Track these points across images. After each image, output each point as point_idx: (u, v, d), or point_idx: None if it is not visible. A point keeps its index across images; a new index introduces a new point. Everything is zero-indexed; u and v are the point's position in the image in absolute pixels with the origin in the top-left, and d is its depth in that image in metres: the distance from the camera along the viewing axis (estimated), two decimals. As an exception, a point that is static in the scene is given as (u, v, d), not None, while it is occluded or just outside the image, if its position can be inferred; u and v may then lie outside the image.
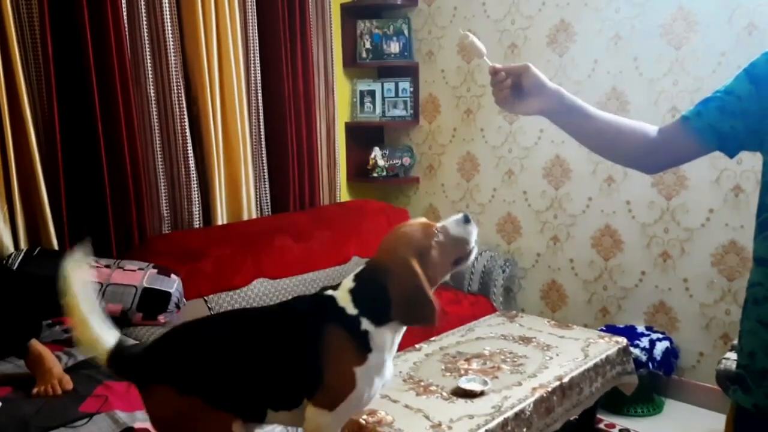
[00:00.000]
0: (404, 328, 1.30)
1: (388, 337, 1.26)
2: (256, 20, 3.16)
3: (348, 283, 1.30)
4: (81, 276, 1.29)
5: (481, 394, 2.05)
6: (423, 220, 1.33)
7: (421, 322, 1.26)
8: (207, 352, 1.26)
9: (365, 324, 1.23)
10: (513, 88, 1.20)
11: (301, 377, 1.24)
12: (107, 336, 1.30)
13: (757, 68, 1.07)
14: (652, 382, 2.83)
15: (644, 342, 2.79)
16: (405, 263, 1.23)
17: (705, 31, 2.75)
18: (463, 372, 2.23)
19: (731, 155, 1.13)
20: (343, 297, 1.27)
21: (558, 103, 1.20)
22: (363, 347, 1.23)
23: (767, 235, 1.06)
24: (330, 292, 1.31)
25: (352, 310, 1.25)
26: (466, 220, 1.31)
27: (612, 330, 2.87)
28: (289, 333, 1.27)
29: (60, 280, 1.27)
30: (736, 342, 2.21)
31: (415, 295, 1.23)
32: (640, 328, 2.95)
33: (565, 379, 2.19)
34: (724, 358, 2.14)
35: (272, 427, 1.54)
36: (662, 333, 2.92)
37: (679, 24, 2.81)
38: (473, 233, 1.32)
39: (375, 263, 1.29)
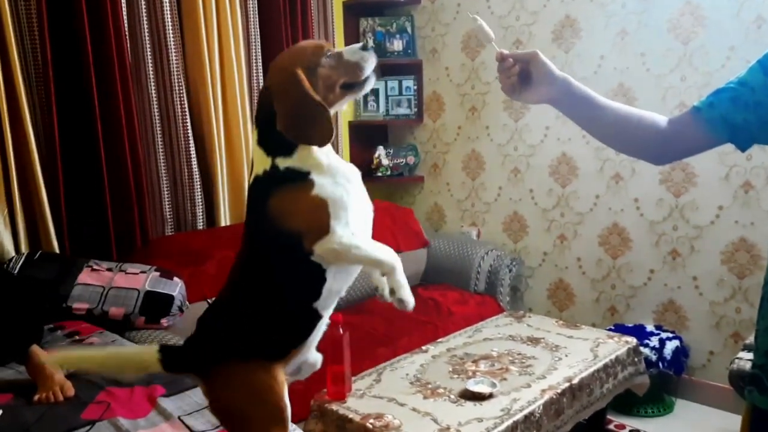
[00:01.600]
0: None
1: (311, 152, 1.19)
2: (257, 19, 3.13)
3: (253, 136, 1.25)
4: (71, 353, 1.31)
5: (490, 396, 2.02)
6: (320, 41, 1.29)
7: (314, 137, 1.18)
8: (241, 311, 1.26)
9: (281, 163, 1.18)
10: (520, 76, 1.17)
11: (293, 251, 1.19)
12: (146, 348, 1.30)
13: None
14: (662, 382, 2.79)
15: (654, 341, 2.76)
16: (290, 74, 1.17)
17: (713, 25, 2.70)
18: (471, 374, 2.20)
19: (743, 148, 1.10)
20: (256, 160, 1.22)
21: (566, 92, 1.17)
22: (298, 179, 1.17)
23: None
24: (252, 173, 1.26)
25: (265, 162, 1.19)
26: (364, 48, 1.24)
27: (621, 329, 2.83)
28: (261, 238, 1.24)
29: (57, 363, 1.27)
30: (749, 341, 2.18)
31: (302, 104, 1.16)
32: (650, 327, 2.91)
33: (575, 381, 2.16)
34: (737, 358, 2.10)
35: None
36: (672, 332, 2.88)
37: (687, 19, 2.77)
38: (369, 60, 1.23)
39: (262, 90, 1.25)
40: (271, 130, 1.19)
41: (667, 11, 2.81)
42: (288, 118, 1.17)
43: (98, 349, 1.27)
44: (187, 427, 1.52)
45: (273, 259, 1.23)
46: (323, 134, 1.18)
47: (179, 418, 1.55)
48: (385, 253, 1.21)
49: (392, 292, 1.22)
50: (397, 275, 1.21)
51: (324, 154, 1.21)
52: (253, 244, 1.26)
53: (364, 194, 1.27)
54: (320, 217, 1.16)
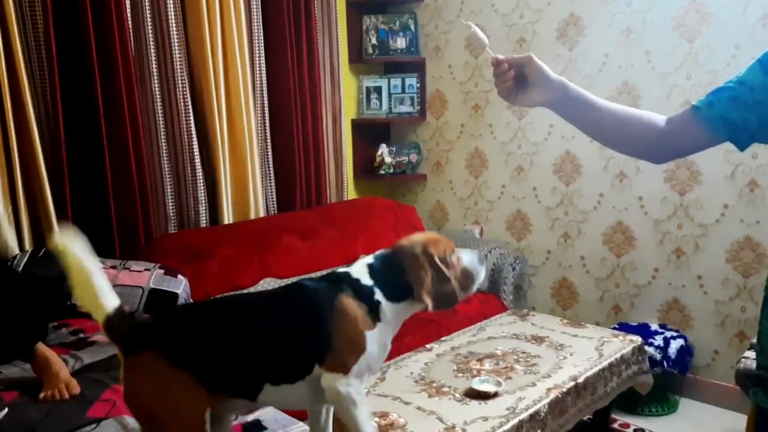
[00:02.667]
0: (411, 313, 1.32)
1: (396, 315, 1.29)
2: (261, 17, 3.12)
3: (367, 258, 1.33)
4: (77, 241, 1.25)
5: (495, 395, 2.02)
6: (447, 239, 1.37)
7: (446, 306, 1.30)
8: (203, 324, 1.26)
9: (378, 295, 1.26)
10: (516, 80, 1.18)
11: (309, 343, 1.24)
12: (110, 299, 1.26)
13: None
14: (666, 381, 2.78)
15: (658, 340, 2.75)
16: (428, 252, 1.28)
17: (718, 23, 2.69)
18: (475, 372, 2.19)
19: (742, 147, 1.10)
20: (358, 270, 1.30)
21: (562, 95, 1.18)
22: (374, 315, 1.26)
23: None
24: (343, 268, 1.32)
25: (367, 281, 1.27)
26: (481, 262, 1.37)
27: (625, 328, 2.83)
28: (299, 303, 1.27)
29: (59, 248, 1.24)
30: (755, 340, 2.17)
31: (441, 278, 1.27)
32: (654, 326, 2.91)
33: (580, 380, 2.15)
34: (743, 357, 2.09)
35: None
36: (676, 331, 2.88)
37: (692, 16, 2.76)
38: (481, 275, 1.37)
39: (397, 247, 1.33)
40: (388, 273, 1.28)
41: (672, 9, 2.80)
42: (431, 288, 1.27)
43: (89, 262, 1.23)
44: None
45: (290, 321, 1.25)
46: (449, 306, 1.31)
47: (185, 416, 1.54)
48: (370, 428, 1.26)
49: None
50: None
51: (395, 326, 1.31)
52: (292, 307, 1.28)
53: (382, 360, 1.34)
54: (353, 353, 1.24)
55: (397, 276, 1.27)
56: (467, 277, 1.33)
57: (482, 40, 1.24)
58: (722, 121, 1.07)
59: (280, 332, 1.24)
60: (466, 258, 1.35)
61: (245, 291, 2.73)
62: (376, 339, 1.25)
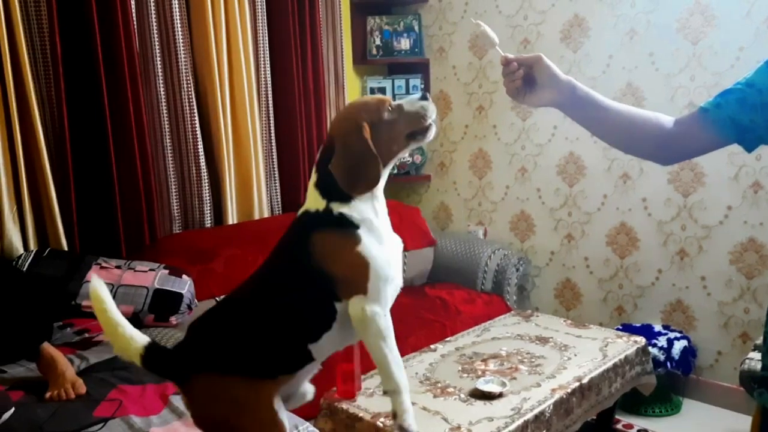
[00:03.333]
0: (380, 191, 1.27)
1: (366, 207, 1.22)
2: (265, 17, 3.13)
3: (312, 178, 1.28)
4: (106, 292, 1.28)
5: (500, 395, 2.02)
6: (381, 96, 1.33)
7: (359, 187, 1.22)
8: (232, 324, 1.26)
9: (336, 208, 1.21)
10: (524, 80, 1.17)
11: (319, 292, 1.21)
12: (139, 337, 1.27)
13: None
14: (669, 382, 2.78)
15: (662, 341, 2.75)
16: (357, 126, 1.22)
17: (723, 25, 2.70)
18: (480, 373, 2.20)
19: (749, 149, 1.10)
20: (310, 199, 1.25)
21: (570, 95, 1.18)
22: (348, 227, 1.20)
23: None
24: (301, 210, 1.29)
25: (320, 203, 1.22)
26: (423, 97, 1.29)
27: (628, 329, 2.83)
28: (287, 266, 1.25)
29: (90, 290, 1.26)
30: (759, 342, 2.17)
31: (358, 151, 1.21)
32: (657, 327, 2.91)
33: (585, 380, 2.15)
34: (748, 358, 2.09)
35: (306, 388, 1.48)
36: (679, 332, 2.88)
37: (696, 18, 2.76)
38: (430, 109, 1.28)
39: (327, 138, 1.28)
40: (329, 174, 1.22)
41: (677, 11, 2.81)
42: (344, 165, 1.21)
43: (113, 312, 1.26)
44: (201, 424, 1.51)
45: (294, 289, 1.23)
46: (368, 184, 1.22)
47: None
48: (398, 368, 1.21)
49: (394, 415, 1.21)
50: (402, 398, 1.21)
51: (377, 210, 1.25)
52: (278, 268, 1.27)
53: (399, 268, 1.27)
54: (360, 274, 1.18)
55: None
56: (413, 118, 1.26)
57: (492, 39, 1.24)
58: (730, 123, 1.07)
59: (293, 298, 1.22)
60: (405, 103, 1.28)
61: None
62: (369, 244, 1.20)
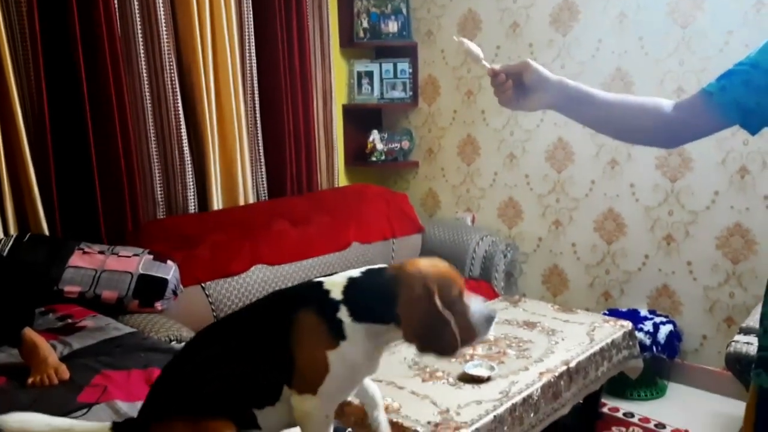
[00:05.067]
0: (390, 339, 1.19)
1: (368, 337, 1.15)
2: (250, 0, 3.07)
3: (353, 272, 1.21)
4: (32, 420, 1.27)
5: (488, 379, 2.02)
6: (458, 274, 1.21)
7: (441, 349, 1.15)
8: (185, 370, 1.25)
9: (342, 313, 1.14)
10: (516, 87, 1.17)
11: (273, 364, 1.18)
12: (97, 426, 1.29)
13: None
14: (655, 366, 2.80)
15: (648, 326, 2.77)
16: (427, 287, 1.13)
17: (712, 9, 2.69)
18: (468, 357, 2.19)
19: (753, 132, 1.09)
20: (333, 283, 1.19)
21: (563, 95, 1.17)
22: (335, 333, 1.14)
23: None
24: (322, 278, 1.23)
25: (337, 295, 1.16)
26: (490, 320, 1.18)
27: (615, 314, 2.84)
28: (262, 322, 1.22)
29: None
30: (745, 324, 2.19)
31: (434, 321, 1.12)
32: (643, 312, 2.92)
33: (572, 364, 2.16)
34: (734, 341, 2.11)
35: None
36: (665, 316, 2.90)
37: (686, 2, 2.75)
38: (486, 334, 1.19)
39: (394, 268, 1.19)
40: (366, 295, 1.16)
41: (666, -5, 2.80)
42: (419, 329, 1.13)
43: (47, 422, 1.27)
44: (186, 409, 1.49)
45: (253, 346, 1.20)
46: (451, 348, 1.14)
47: (178, 400, 1.52)
48: None
49: None
50: None
51: (364, 353, 1.16)
52: (253, 320, 1.24)
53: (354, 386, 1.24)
54: (316, 377, 1.14)
55: (381, 300, 1.14)
56: (469, 331, 1.15)
57: (476, 55, 1.22)
58: (735, 106, 1.05)
59: (248, 355, 1.19)
60: (476, 309, 1.17)
61: (237, 277, 2.71)
62: (341, 359, 1.13)
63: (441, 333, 1.13)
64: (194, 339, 1.33)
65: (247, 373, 1.19)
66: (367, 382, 1.32)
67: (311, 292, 1.21)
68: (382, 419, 1.33)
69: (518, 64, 1.16)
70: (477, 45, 1.25)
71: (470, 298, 1.18)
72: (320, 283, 1.20)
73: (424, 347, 1.15)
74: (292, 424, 1.25)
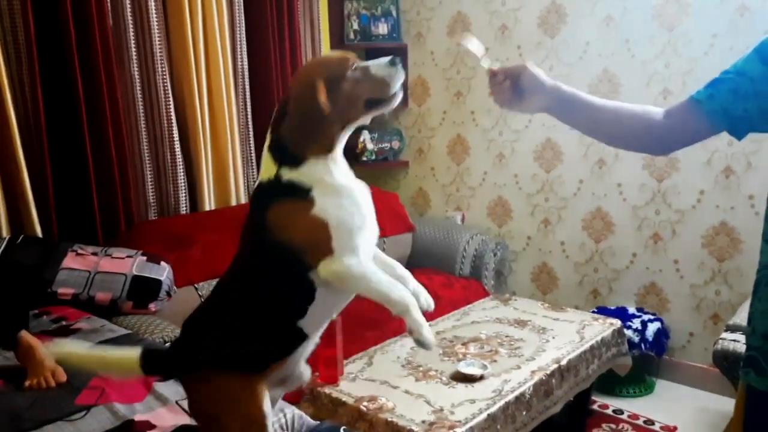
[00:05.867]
0: (339, 156, 1.20)
1: (317, 168, 1.15)
2: (242, 1, 3.08)
3: (266, 140, 1.21)
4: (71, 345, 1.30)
5: (481, 378, 2.05)
6: (346, 52, 1.24)
7: (312, 143, 1.15)
8: (222, 318, 1.24)
9: (285, 174, 1.14)
10: (512, 88, 1.20)
11: (287, 264, 1.16)
12: (129, 351, 1.29)
13: None
14: (643, 363, 2.85)
15: (636, 323, 2.81)
16: (309, 84, 1.14)
17: (697, 13, 2.74)
18: (461, 356, 2.22)
19: (740, 137, 1.12)
20: (263, 166, 1.19)
21: (558, 99, 1.21)
22: (299, 195, 1.13)
23: None
24: (258, 178, 1.24)
25: (271, 170, 1.16)
26: (393, 63, 1.18)
27: (603, 312, 2.88)
28: (254, 245, 1.21)
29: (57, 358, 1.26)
30: (731, 322, 2.24)
31: (309, 115, 1.13)
32: (631, 310, 2.97)
33: (563, 362, 2.19)
34: (721, 339, 2.15)
35: (274, 414, 1.49)
36: (653, 314, 2.95)
37: (672, 6, 2.80)
38: (397, 76, 1.18)
39: (282, 97, 1.23)
40: (285, 143, 1.17)
41: (652, -2, 2.85)
42: (295, 125, 1.15)
43: (86, 347, 1.28)
44: (185, 411, 1.50)
45: (264, 270, 1.19)
46: (318, 147, 1.15)
47: (176, 402, 1.53)
48: (396, 291, 1.14)
49: (410, 331, 1.14)
50: (412, 314, 1.13)
51: (331, 170, 1.17)
52: (248, 252, 1.23)
53: (371, 214, 1.22)
54: (320, 237, 1.12)
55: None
56: (378, 84, 1.17)
57: (476, 56, 1.25)
58: (723, 114, 1.09)
59: (265, 280, 1.19)
60: (373, 63, 1.18)
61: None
62: (325, 204, 1.12)
63: (314, 125, 1.14)
64: (214, 294, 1.30)
65: (276, 295, 1.18)
66: (390, 262, 1.30)
67: (257, 194, 1.21)
68: (419, 289, 1.28)
69: (516, 66, 1.19)
70: (479, 67, 1.27)
71: (366, 63, 1.19)
72: (258, 181, 1.21)
73: (293, 143, 1.15)
74: (338, 305, 1.25)
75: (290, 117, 1.15)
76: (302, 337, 1.23)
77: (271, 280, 1.18)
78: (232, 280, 1.26)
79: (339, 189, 1.16)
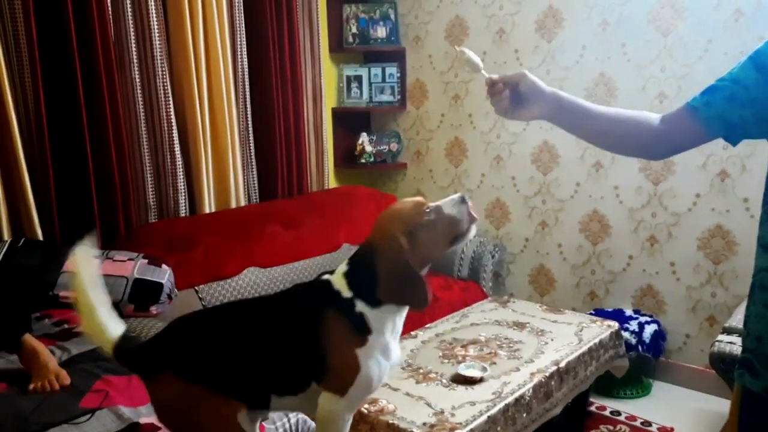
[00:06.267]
0: (405, 309, 1.28)
1: (387, 319, 1.24)
2: (242, 6, 3.09)
3: (342, 267, 1.29)
4: (89, 265, 1.25)
5: (481, 380, 2.07)
6: (417, 198, 1.32)
7: (411, 303, 1.25)
8: (209, 339, 1.26)
9: (360, 306, 1.22)
10: (511, 96, 1.22)
11: (304, 362, 1.23)
12: (114, 327, 1.27)
13: (763, 56, 1.07)
14: (640, 365, 2.88)
15: (633, 325, 2.84)
16: (392, 239, 1.23)
17: (692, 17, 2.77)
18: (461, 359, 2.24)
19: (735, 143, 1.15)
20: (338, 281, 1.27)
21: (557, 106, 1.22)
22: (361, 329, 1.21)
23: None
24: (326, 276, 1.30)
25: (346, 293, 1.24)
26: (462, 200, 1.28)
27: (600, 314, 2.91)
28: (288, 318, 1.26)
29: (67, 268, 1.24)
30: (727, 324, 2.26)
31: (401, 273, 1.22)
32: (628, 312, 3.00)
33: (562, 364, 2.22)
34: (717, 341, 2.18)
35: (279, 417, 1.52)
36: (650, 316, 2.98)
37: (667, 11, 2.83)
38: (465, 212, 1.28)
39: (367, 243, 1.29)
40: (363, 277, 1.24)
41: (648, 3, 2.87)
42: (392, 287, 1.22)
43: (92, 292, 1.25)
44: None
45: (281, 337, 1.24)
46: (421, 302, 1.24)
47: (181, 405, 1.55)
48: None
49: None
50: None
51: (393, 328, 1.26)
52: (281, 308, 1.29)
53: (387, 368, 1.29)
54: (347, 375, 1.21)
55: (372, 277, 1.23)
56: (452, 222, 1.27)
57: (477, 64, 1.29)
58: (719, 120, 1.11)
59: (280, 346, 1.24)
60: (443, 203, 1.28)
61: (230, 280, 2.74)
62: (371, 354, 1.21)
63: (412, 286, 1.23)
64: (221, 310, 1.34)
65: (280, 364, 1.23)
66: None
67: (325, 292, 1.27)
68: None
69: (515, 75, 1.21)
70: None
71: (435, 204, 1.28)
72: (328, 282, 1.27)
73: (400, 301, 1.24)
74: (302, 411, 1.32)
75: (382, 273, 1.22)
76: (266, 405, 1.28)
77: (279, 349, 1.24)
78: (245, 313, 1.30)
79: (386, 350, 1.25)
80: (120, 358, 1.28)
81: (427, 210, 1.26)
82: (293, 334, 1.24)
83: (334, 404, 1.21)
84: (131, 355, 1.28)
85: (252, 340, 1.25)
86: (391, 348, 1.27)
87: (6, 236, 2.41)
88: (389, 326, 1.25)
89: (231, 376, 1.24)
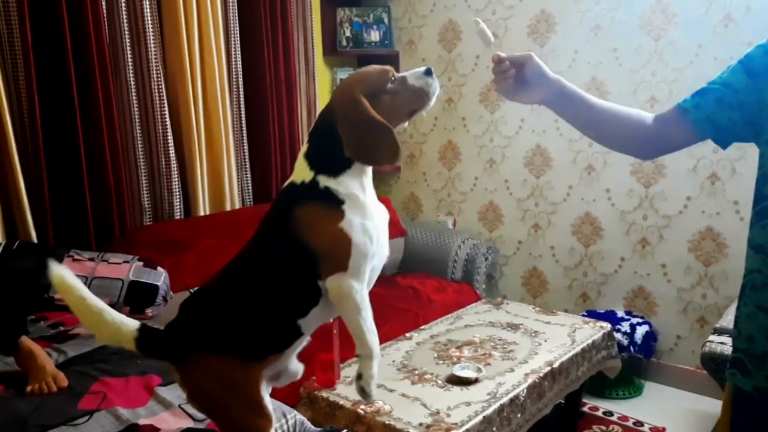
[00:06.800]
0: (369, 168, 1.24)
1: (353, 182, 1.20)
2: (236, 8, 3.11)
3: (303, 148, 1.26)
4: (72, 280, 1.22)
5: (476, 381, 2.08)
6: (385, 66, 1.29)
7: (381, 156, 1.21)
8: (229, 307, 1.25)
9: (323, 181, 1.19)
10: (515, 78, 1.21)
11: (306, 269, 1.21)
12: (128, 322, 1.26)
13: (753, 61, 1.09)
14: (632, 365, 2.91)
15: (625, 326, 2.87)
16: (353, 99, 1.20)
17: (683, 23, 2.81)
18: (455, 360, 2.26)
19: (724, 146, 1.17)
20: (298, 170, 1.24)
21: (559, 93, 1.23)
22: (332, 202, 1.18)
23: (765, 223, 1.09)
24: (288, 181, 1.27)
25: (307, 175, 1.21)
26: (428, 73, 1.26)
27: (593, 315, 2.94)
28: (276, 247, 1.24)
29: (52, 279, 1.21)
30: (718, 325, 2.29)
31: (367, 127, 1.19)
32: (620, 313, 3.03)
33: (555, 365, 2.24)
34: (708, 341, 2.21)
35: (277, 419, 1.52)
36: (641, 317, 3.01)
37: (658, 16, 2.87)
38: (434, 85, 1.26)
39: (327, 107, 1.26)
40: (324, 148, 1.22)
41: (639, 8, 2.91)
42: (355, 142, 1.19)
43: (91, 299, 1.23)
44: (189, 415, 1.53)
45: (277, 264, 1.23)
46: (391, 153, 1.21)
47: (179, 406, 1.56)
48: (372, 336, 1.22)
49: (359, 377, 1.22)
50: (371, 363, 1.22)
51: (362, 188, 1.22)
52: (263, 244, 1.26)
53: (386, 242, 1.26)
54: (341, 250, 1.17)
55: (332, 142, 1.20)
56: (418, 94, 1.24)
57: (489, 38, 1.28)
58: (708, 123, 1.13)
59: (280, 275, 1.22)
60: (409, 74, 1.25)
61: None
62: (353, 221, 1.17)
63: (379, 137, 1.19)
64: (219, 278, 1.32)
65: (291, 288, 1.22)
66: None
67: (287, 192, 1.24)
68: None
69: (522, 55, 1.21)
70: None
71: (403, 74, 1.25)
72: (290, 182, 1.24)
73: (367, 159, 1.21)
74: (333, 314, 1.30)
75: (345, 133, 1.19)
76: (298, 334, 1.27)
77: (282, 277, 1.22)
78: (239, 267, 1.28)
79: (366, 210, 1.21)
80: (145, 350, 1.27)
81: (393, 78, 1.24)
82: (286, 257, 1.21)
83: (341, 280, 1.18)
84: (158, 344, 1.28)
85: (261, 285, 1.23)
86: (369, 206, 1.22)
87: (0, 239, 2.40)
88: (358, 188, 1.21)
89: (261, 331, 1.24)
